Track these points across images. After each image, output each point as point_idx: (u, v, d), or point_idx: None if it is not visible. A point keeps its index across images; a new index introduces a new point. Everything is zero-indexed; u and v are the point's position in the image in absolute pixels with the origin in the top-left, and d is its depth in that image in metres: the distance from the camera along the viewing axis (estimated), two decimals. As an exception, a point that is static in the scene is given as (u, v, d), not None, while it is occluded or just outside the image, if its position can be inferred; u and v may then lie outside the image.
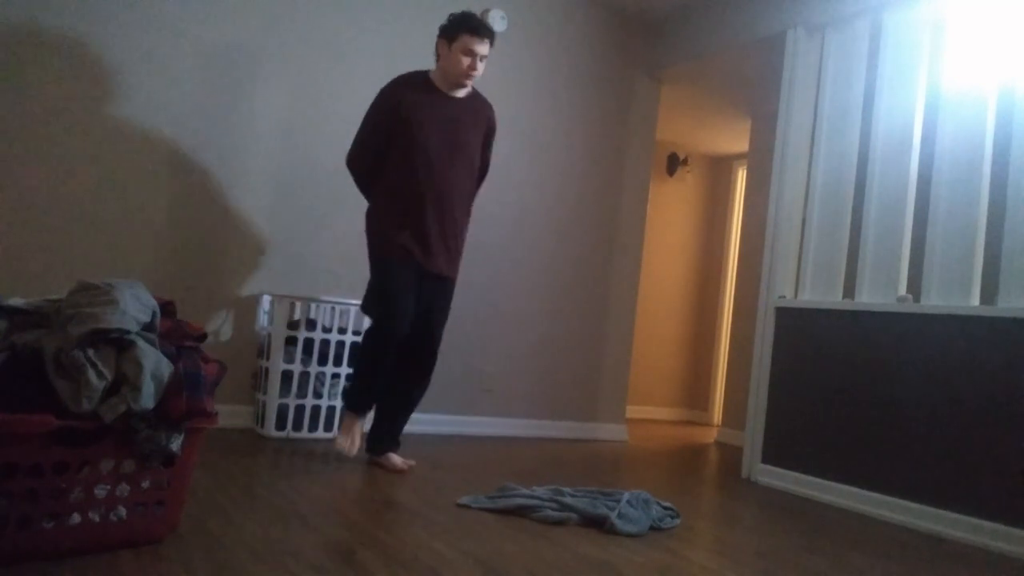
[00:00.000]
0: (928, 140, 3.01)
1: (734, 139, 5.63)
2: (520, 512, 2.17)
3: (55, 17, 2.81)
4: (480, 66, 2.65)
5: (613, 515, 2.11)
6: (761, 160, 4.87)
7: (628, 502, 2.24)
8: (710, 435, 5.13)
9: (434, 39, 2.72)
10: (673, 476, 3.26)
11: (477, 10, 3.86)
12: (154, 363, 1.47)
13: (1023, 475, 2.44)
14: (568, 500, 2.24)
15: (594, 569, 1.72)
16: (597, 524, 2.12)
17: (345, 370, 3.22)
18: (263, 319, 3.21)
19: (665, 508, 2.35)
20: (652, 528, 2.17)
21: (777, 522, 2.52)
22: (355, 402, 2.71)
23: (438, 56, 2.70)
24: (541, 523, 2.11)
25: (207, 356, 1.65)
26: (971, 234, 2.78)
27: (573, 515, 2.16)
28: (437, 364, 3.76)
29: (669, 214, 5.96)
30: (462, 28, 2.61)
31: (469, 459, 3.05)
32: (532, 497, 2.25)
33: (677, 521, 2.29)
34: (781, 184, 3.45)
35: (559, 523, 2.12)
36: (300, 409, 3.11)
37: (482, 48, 2.62)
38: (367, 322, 3.28)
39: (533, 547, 1.85)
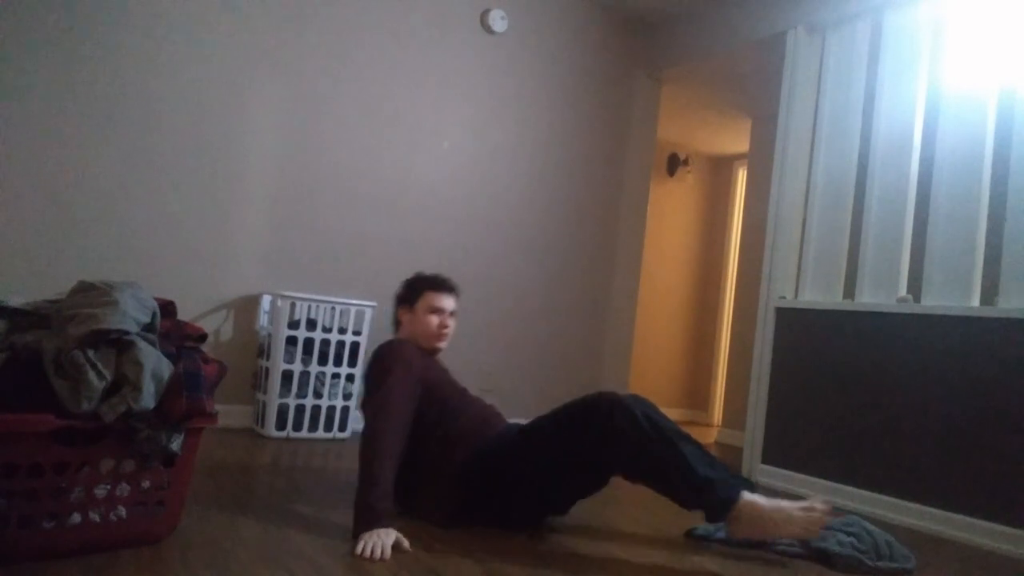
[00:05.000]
0: (928, 140, 3.01)
1: (734, 139, 5.63)
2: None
3: (51, 16, 2.82)
4: (452, 323, 2.26)
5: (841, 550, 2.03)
6: (761, 160, 4.88)
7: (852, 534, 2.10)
8: (710, 435, 5.13)
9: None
10: (673, 476, 3.26)
11: (477, 10, 3.86)
12: (154, 363, 1.48)
13: None
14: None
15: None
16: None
17: (345, 370, 3.22)
18: (263, 319, 3.21)
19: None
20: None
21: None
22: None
23: (399, 324, 2.27)
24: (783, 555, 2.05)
25: (207, 356, 1.65)
26: (971, 234, 2.78)
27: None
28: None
29: (669, 214, 5.96)
30: (424, 287, 2.23)
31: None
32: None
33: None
34: (781, 184, 3.45)
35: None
36: (300, 409, 3.11)
37: (449, 303, 2.24)
38: (368, 321, 3.30)
39: (532, 547, 1.85)
